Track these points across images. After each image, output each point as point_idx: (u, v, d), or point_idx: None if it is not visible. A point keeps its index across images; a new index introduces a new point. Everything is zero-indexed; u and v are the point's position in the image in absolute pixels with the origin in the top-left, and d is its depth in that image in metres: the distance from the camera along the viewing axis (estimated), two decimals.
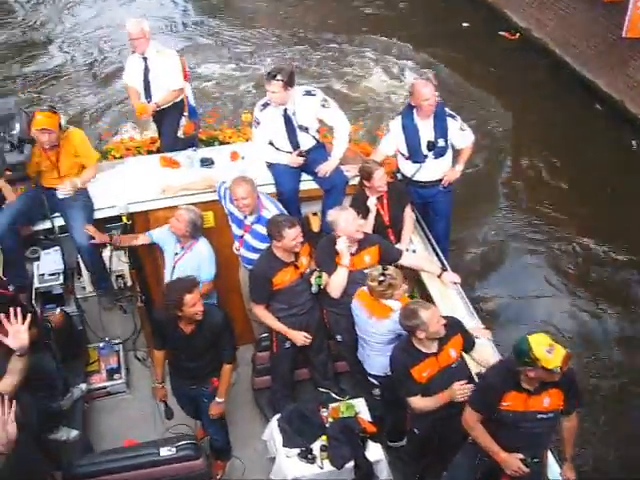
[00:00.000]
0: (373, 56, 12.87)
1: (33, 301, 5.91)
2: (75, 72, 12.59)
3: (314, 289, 5.13)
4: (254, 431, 5.76)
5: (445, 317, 4.53)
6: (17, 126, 5.32)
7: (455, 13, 13.98)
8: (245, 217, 5.43)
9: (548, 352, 3.80)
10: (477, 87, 11.62)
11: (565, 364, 3.82)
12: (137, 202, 5.74)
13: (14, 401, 3.71)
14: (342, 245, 5.05)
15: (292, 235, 4.91)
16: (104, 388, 6.15)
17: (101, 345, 6.29)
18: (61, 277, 5.99)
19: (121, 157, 6.89)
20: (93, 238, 5.54)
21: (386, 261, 5.21)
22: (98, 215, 5.73)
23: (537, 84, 11.65)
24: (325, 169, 5.80)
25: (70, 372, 5.86)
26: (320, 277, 5.09)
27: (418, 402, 4.54)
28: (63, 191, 5.53)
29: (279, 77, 5.43)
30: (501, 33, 13.36)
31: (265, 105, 5.74)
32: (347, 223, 5.03)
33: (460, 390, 4.38)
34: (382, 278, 4.74)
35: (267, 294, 5.17)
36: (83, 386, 5.97)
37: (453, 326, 4.56)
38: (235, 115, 9.70)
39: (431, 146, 6.01)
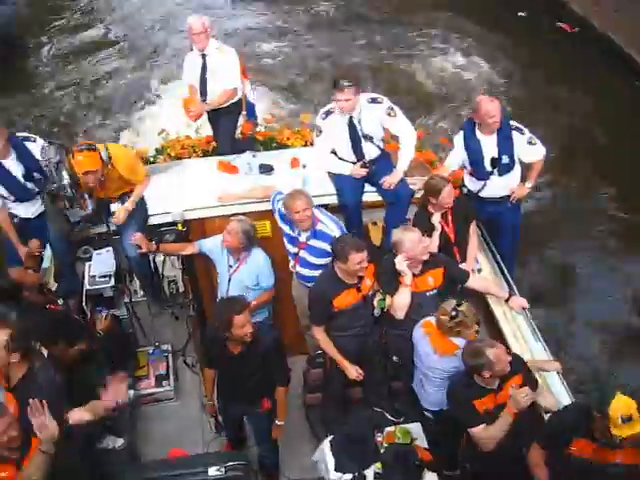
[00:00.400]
0: (425, 42, 12.36)
1: (83, 304, 5.81)
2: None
3: (377, 312, 4.90)
4: (302, 448, 5.58)
5: (510, 353, 4.33)
6: (64, 175, 5.04)
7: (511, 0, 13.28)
8: (299, 234, 5.21)
9: (622, 420, 3.59)
10: (537, 85, 10.96)
11: (630, 440, 3.61)
12: (193, 209, 5.56)
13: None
14: (402, 265, 4.79)
15: (357, 259, 4.65)
16: (152, 395, 6.01)
17: (150, 350, 6.16)
18: (112, 279, 5.85)
19: (177, 156, 6.72)
20: (140, 247, 5.37)
21: (451, 284, 4.99)
22: (152, 221, 5.57)
23: (606, 83, 10.91)
24: (390, 181, 5.55)
25: None
26: (384, 300, 4.85)
27: (482, 432, 4.28)
28: (116, 222, 5.35)
29: (349, 83, 5.21)
30: (559, 24, 12.67)
31: (328, 113, 5.51)
32: (412, 244, 4.77)
33: (520, 394, 4.11)
34: (454, 314, 4.48)
35: (326, 316, 4.95)
36: (131, 392, 5.83)
37: (517, 364, 4.34)
38: (292, 113, 9.42)
39: (495, 163, 5.70)
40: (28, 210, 5.45)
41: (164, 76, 11.38)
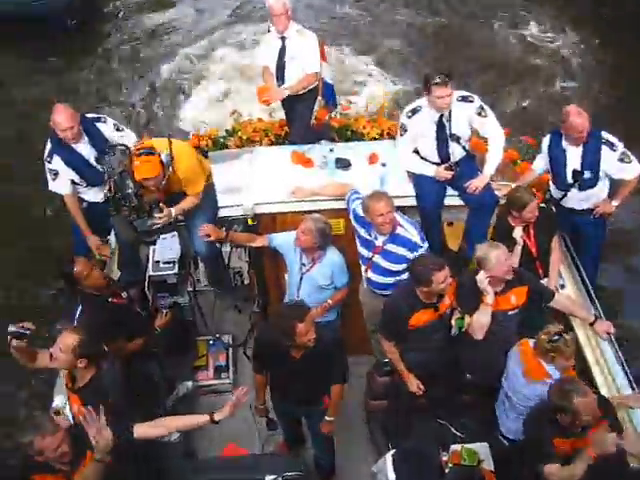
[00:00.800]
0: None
1: (146, 289, 5.70)
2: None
3: (454, 332, 4.62)
4: (360, 453, 5.45)
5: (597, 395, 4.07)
6: (129, 183, 4.66)
7: None
8: (375, 237, 4.93)
9: None
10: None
11: None
12: (264, 203, 5.32)
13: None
14: (485, 284, 4.50)
15: (440, 279, 4.38)
16: (210, 386, 5.89)
17: (211, 341, 6.02)
18: (176, 266, 5.72)
19: (248, 139, 6.47)
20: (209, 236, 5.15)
21: (535, 302, 4.70)
22: (222, 213, 5.35)
23: None
24: (476, 185, 5.24)
25: (177, 366, 5.68)
26: (462, 319, 4.57)
27: (557, 471, 3.99)
28: (158, 223, 4.94)
29: (446, 80, 4.92)
30: None
31: (415, 111, 5.19)
32: (499, 262, 4.47)
33: (604, 437, 3.82)
34: (556, 337, 4.19)
35: (399, 333, 4.70)
36: (189, 384, 5.78)
37: (605, 411, 4.05)
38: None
39: (577, 176, 5.33)
40: (97, 195, 5.30)
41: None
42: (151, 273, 5.73)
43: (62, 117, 4.93)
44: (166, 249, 5.69)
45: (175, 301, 5.78)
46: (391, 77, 10.52)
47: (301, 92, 6.06)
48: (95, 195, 5.33)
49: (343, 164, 5.54)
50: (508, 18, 11.53)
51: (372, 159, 5.63)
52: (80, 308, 4.86)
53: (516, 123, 8.12)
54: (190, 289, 5.86)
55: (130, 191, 4.62)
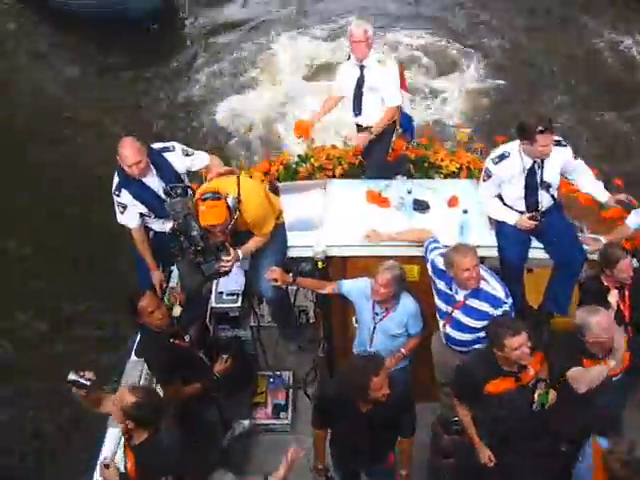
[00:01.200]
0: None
1: (207, 320, 5.53)
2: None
3: (536, 407, 4.26)
4: None
5: None
6: (194, 225, 4.39)
7: None
8: (456, 292, 4.62)
9: None
10: None
11: None
12: (336, 246, 5.05)
13: None
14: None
15: (514, 344, 4.06)
16: (267, 425, 5.68)
17: (271, 378, 5.82)
18: (240, 299, 5.54)
19: (321, 167, 6.22)
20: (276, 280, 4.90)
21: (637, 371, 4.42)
22: (291, 253, 5.10)
23: None
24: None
25: (236, 405, 5.50)
26: (547, 394, 4.21)
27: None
28: (225, 266, 4.64)
29: (551, 126, 4.58)
30: None
31: (502, 157, 4.83)
32: (601, 329, 4.14)
33: None
34: (627, 458, 3.84)
35: (474, 397, 4.38)
36: (246, 423, 5.58)
37: None
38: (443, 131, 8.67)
39: None
40: (165, 225, 5.11)
41: None
42: (214, 305, 5.57)
43: (129, 151, 4.71)
44: (230, 281, 5.50)
45: (236, 335, 5.61)
46: None
47: None
48: (163, 225, 5.14)
49: (421, 206, 5.22)
50: None
51: (452, 202, 5.30)
52: (138, 338, 4.75)
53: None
54: (253, 324, 5.66)
55: (195, 233, 4.39)
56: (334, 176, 6.27)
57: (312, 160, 6.31)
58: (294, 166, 6.34)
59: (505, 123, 8.85)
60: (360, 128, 5.93)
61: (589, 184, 5.06)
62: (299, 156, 6.42)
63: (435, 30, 11.56)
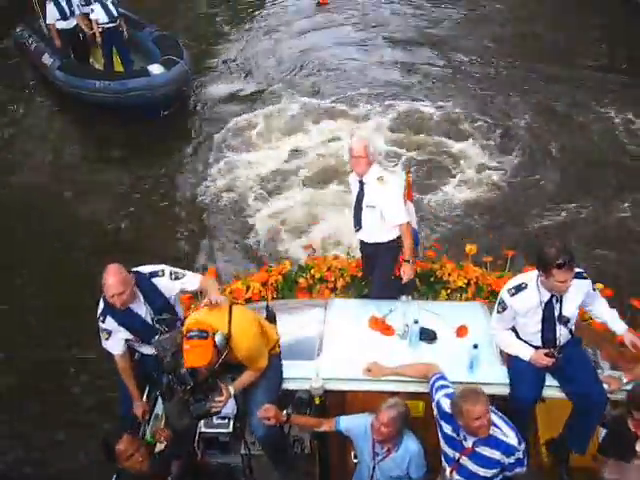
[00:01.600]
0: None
1: (195, 445, 5.11)
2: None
3: None
4: None
5: None
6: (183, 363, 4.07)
7: None
8: (465, 438, 4.22)
9: None
10: None
11: None
12: (335, 379, 4.67)
13: None
14: None
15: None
16: None
17: None
18: (231, 424, 5.13)
19: (322, 278, 5.92)
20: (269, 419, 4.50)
21: None
22: (286, 385, 4.72)
23: None
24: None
25: None
26: None
27: None
28: (216, 407, 4.31)
29: (572, 262, 4.21)
30: None
31: (519, 289, 4.48)
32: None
33: None
34: None
35: None
36: None
37: None
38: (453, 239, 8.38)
39: None
40: (152, 349, 4.76)
41: None
42: (203, 429, 5.16)
43: (112, 280, 4.38)
44: None
45: (226, 462, 5.19)
46: None
47: (384, 240, 5.46)
48: (150, 349, 4.79)
49: (428, 336, 4.87)
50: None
51: (461, 332, 4.95)
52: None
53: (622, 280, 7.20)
54: (244, 452, 5.24)
55: (185, 371, 4.03)
56: (335, 288, 5.99)
57: (312, 271, 6.02)
58: (293, 276, 6.05)
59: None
60: (363, 243, 5.66)
61: (604, 313, 4.72)
62: (299, 266, 6.14)
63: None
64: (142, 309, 4.57)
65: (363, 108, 11.72)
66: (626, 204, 9.36)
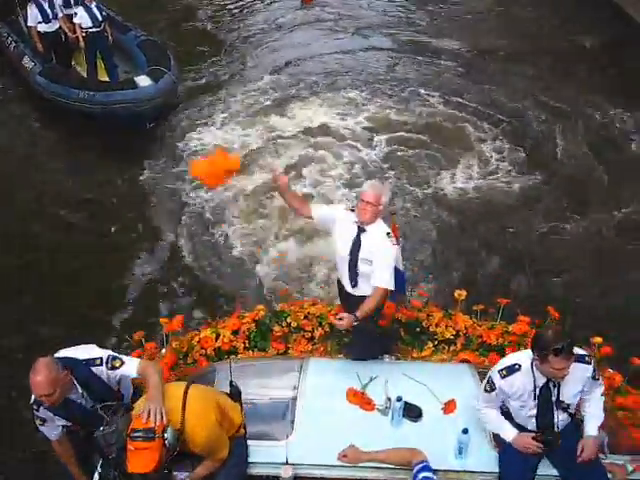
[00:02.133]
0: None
1: None
2: None
3: None
4: None
5: None
6: None
7: None
8: None
9: None
10: None
11: None
12: (306, 465, 4.18)
13: None
14: None
15: None
16: None
17: None
18: None
19: (298, 327, 5.41)
20: None
21: None
22: (252, 470, 4.21)
23: None
24: (587, 456, 4.05)
25: None
26: None
27: None
28: None
29: (572, 349, 3.78)
30: None
31: (511, 370, 4.01)
32: None
33: None
34: None
35: None
36: None
37: None
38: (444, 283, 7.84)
39: None
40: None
41: None
42: None
43: (39, 378, 3.77)
44: None
45: None
46: None
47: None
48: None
49: (412, 413, 4.38)
50: None
51: (448, 408, 4.46)
52: None
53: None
54: None
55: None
56: (313, 337, 5.48)
57: (288, 319, 5.49)
58: (267, 323, 5.52)
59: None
60: (346, 292, 5.09)
61: (590, 411, 4.19)
62: (274, 312, 5.61)
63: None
64: (80, 398, 4.03)
65: (352, 112, 11.40)
66: None
